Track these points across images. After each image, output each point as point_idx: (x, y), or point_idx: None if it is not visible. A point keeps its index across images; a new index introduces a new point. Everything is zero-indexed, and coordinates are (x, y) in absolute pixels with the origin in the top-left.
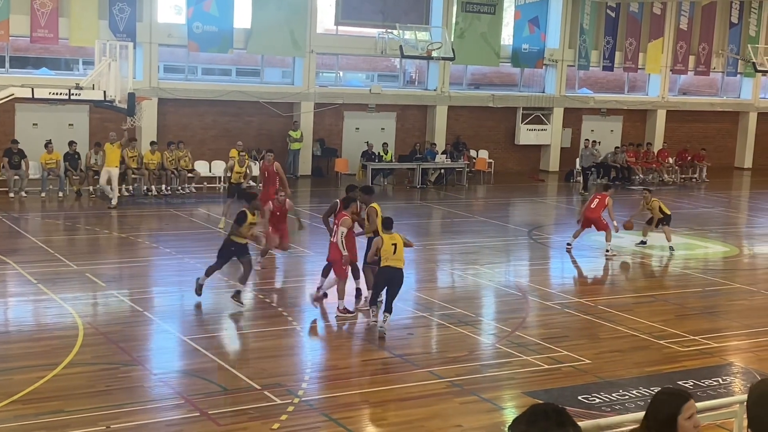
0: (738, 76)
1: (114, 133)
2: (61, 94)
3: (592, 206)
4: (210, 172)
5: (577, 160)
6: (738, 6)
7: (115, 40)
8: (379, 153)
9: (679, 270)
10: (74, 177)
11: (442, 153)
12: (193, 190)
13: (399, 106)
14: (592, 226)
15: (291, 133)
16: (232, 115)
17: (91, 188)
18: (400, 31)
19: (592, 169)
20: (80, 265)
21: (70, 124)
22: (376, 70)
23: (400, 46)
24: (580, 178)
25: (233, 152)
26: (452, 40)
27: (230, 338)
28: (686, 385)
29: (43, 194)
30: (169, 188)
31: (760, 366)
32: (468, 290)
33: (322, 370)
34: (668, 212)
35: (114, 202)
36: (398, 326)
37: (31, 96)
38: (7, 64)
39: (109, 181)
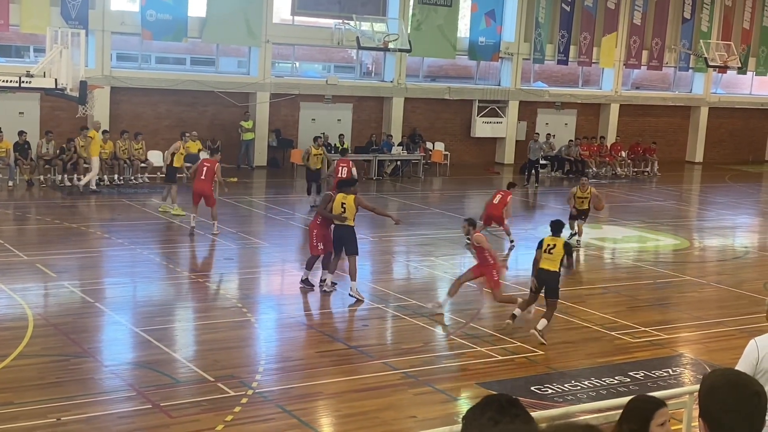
0: (690, 71)
1: (98, 121)
2: (11, 81)
3: (495, 202)
4: (163, 162)
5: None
6: (690, 2)
7: (67, 28)
8: (335, 144)
9: (631, 262)
10: (24, 166)
11: (399, 145)
12: (146, 180)
13: (355, 98)
14: (493, 223)
15: (243, 123)
16: (186, 104)
17: (41, 177)
18: (357, 23)
19: (542, 162)
20: (30, 256)
21: (20, 113)
22: (332, 61)
23: (357, 38)
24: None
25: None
26: (409, 32)
27: (183, 330)
28: (637, 375)
29: None
30: (121, 178)
31: (709, 357)
32: (423, 282)
33: (277, 362)
34: (587, 208)
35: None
36: (353, 317)
37: None
38: None
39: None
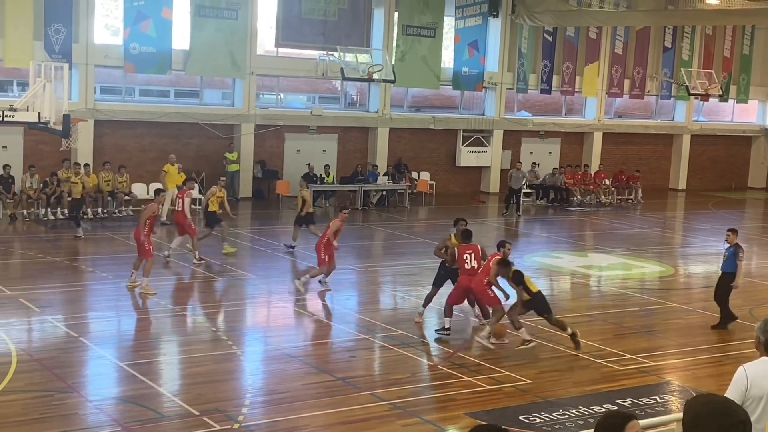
0: (672, 99)
1: (173, 155)
2: None
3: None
4: (147, 194)
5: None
6: (671, 31)
7: (50, 61)
8: (320, 175)
9: (617, 290)
10: (8, 200)
11: (384, 175)
12: (131, 212)
13: (340, 128)
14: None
15: (227, 155)
16: (170, 136)
17: (24, 211)
18: (341, 54)
19: (526, 190)
20: (13, 291)
21: (3, 147)
22: (317, 92)
23: (341, 69)
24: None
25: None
26: (393, 62)
27: (168, 364)
28: (624, 403)
29: None
30: (105, 211)
31: (696, 384)
32: (410, 312)
33: (263, 395)
34: (312, 211)
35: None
36: (340, 349)
37: None
38: None
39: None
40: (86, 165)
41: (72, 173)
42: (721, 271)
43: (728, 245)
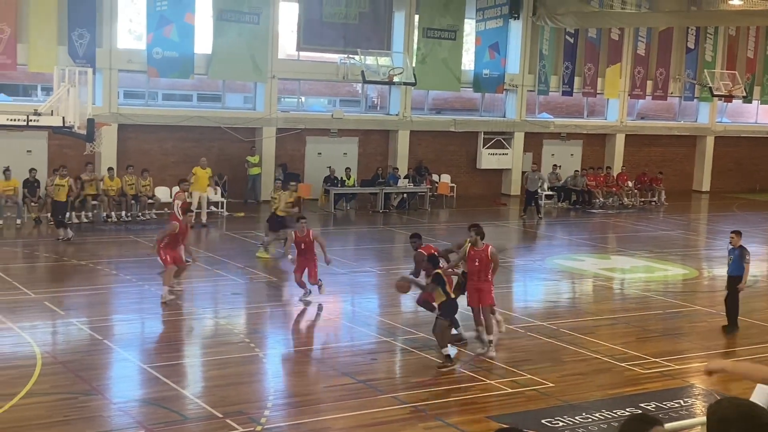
0: (695, 100)
1: (205, 159)
2: (19, 120)
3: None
4: (170, 197)
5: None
6: (694, 32)
7: (74, 66)
8: (341, 178)
9: (640, 293)
10: (33, 204)
11: (405, 177)
12: (154, 216)
13: (361, 131)
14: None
15: (249, 158)
16: (193, 140)
17: (49, 215)
18: (362, 57)
19: (548, 192)
20: (38, 294)
21: (28, 151)
22: (338, 95)
23: (362, 72)
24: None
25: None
26: (413, 65)
27: (191, 366)
28: (648, 407)
29: (0, 221)
30: (129, 215)
31: (721, 387)
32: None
33: (285, 397)
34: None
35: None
36: (362, 351)
37: None
38: None
39: (199, 206)
40: (110, 168)
41: (58, 176)
42: (728, 275)
43: (732, 247)
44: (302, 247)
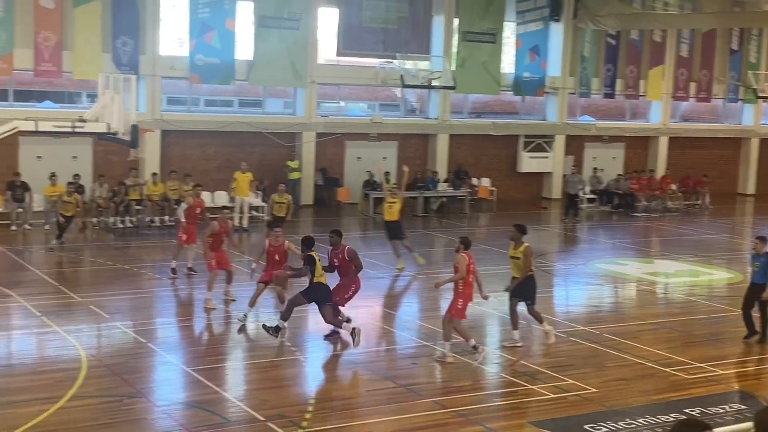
0: (739, 102)
1: (245, 163)
2: (64, 126)
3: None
4: (212, 202)
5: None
6: (738, 33)
7: (118, 73)
8: (381, 182)
9: (684, 297)
10: (78, 209)
11: (444, 181)
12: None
13: (400, 135)
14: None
15: (289, 162)
16: (234, 145)
17: (94, 220)
18: (401, 61)
19: (589, 195)
20: (84, 297)
21: (73, 157)
22: (377, 99)
23: (401, 76)
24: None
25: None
26: (453, 69)
27: (233, 369)
28: (693, 413)
29: (46, 226)
30: (172, 219)
31: (767, 393)
32: (472, 319)
33: (326, 401)
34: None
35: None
36: (402, 356)
37: (34, 129)
38: (11, 98)
39: (240, 210)
40: (154, 174)
41: (68, 192)
42: (751, 283)
43: (756, 254)
44: (276, 258)
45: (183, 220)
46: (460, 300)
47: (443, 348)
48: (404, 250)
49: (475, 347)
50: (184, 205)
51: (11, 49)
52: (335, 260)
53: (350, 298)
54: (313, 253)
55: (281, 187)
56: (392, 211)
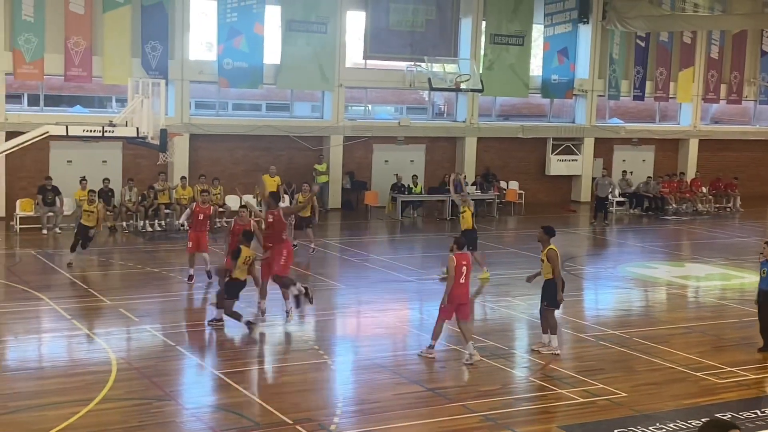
0: None
1: (274, 167)
2: (94, 131)
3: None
4: (240, 206)
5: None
6: None
7: (147, 78)
8: (408, 185)
9: (715, 301)
10: (108, 213)
11: (472, 184)
12: (224, 224)
13: (428, 138)
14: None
15: (317, 166)
16: (262, 149)
17: (123, 223)
18: (429, 64)
19: (619, 199)
20: (113, 300)
21: (103, 161)
22: (404, 102)
23: (429, 79)
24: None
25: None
26: (481, 71)
27: (261, 372)
28: (724, 417)
29: (76, 230)
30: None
31: None
32: (500, 322)
33: (354, 404)
34: (309, 215)
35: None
36: (430, 359)
37: (65, 133)
38: (41, 103)
39: None
40: (183, 177)
41: (89, 200)
42: (759, 290)
43: (765, 260)
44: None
45: (186, 227)
46: (446, 300)
47: (468, 350)
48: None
49: (431, 347)
50: (188, 212)
51: (42, 54)
52: (270, 217)
53: (287, 264)
54: (242, 246)
55: (305, 187)
56: (463, 220)
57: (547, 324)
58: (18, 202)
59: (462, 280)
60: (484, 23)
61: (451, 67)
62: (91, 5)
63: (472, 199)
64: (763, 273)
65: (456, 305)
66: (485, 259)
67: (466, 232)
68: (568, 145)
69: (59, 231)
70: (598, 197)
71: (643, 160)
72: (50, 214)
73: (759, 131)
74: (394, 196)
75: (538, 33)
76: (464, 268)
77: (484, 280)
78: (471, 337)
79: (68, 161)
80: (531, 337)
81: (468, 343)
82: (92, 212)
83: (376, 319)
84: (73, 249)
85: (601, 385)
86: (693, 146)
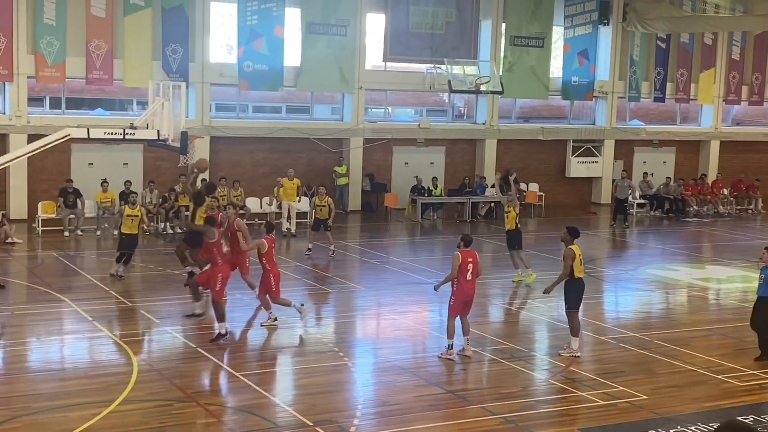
0: None
1: (292, 170)
2: (115, 134)
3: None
4: (261, 208)
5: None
6: None
7: (168, 81)
8: (428, 187)
9: (736, 303)
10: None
11: (492, 186)
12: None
13: (448, 141)
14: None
15: (337, 168)
16: (282, 151)
17: (144, 226)
18: (449, 66)
19: (639, 201)
20: (134, 302)
21: (124, 164)
22: (424, 105)
23: (449, 81)
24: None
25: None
26: (501, 73)
27: (281, 374)
28: (746, 420)
29: (98, 232)
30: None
31: None
32: (520, 325)
33: (374, 406)
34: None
35: (293, 230)
36: (451, 361)
37: (86, 136)
38: (63, 105)
39: (288, 217)
40: (203, 180)
41: (127, 205)
42: (757, 296)
43: (765, 266)
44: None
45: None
46: (453, 297)
47: (464, 343)
48: (520, 261)
49: (450, 347)
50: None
51: (63, 57)
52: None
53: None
54: (212, 217)
55: (321, 190)
56: (508, 219)
57: (570, 326)
58: (40, 205)
59: (468, 277)
60: (504, 25)
61: (470, 69)
62: (112, 8)
63: (492, 202)
64: (761, 279)
65: (463, 302)
66: (530, 261)
67: (509, 233)
68: (589, 147)
69: (81, 233)
70: (617, 199)
71: (664, 162)
72: (72, 216)
73: None
74: (413, 198)
75: (558, 35)
76: (470, 265)
77: (530, 280)
78: (469, 331)
79: (89, 164)
80: (551, 339)
81: (465, 337)
82: (135, 216)
83: (395, 321)
84: (118, 261)
85: (622, 388)
86: (714, 148)
